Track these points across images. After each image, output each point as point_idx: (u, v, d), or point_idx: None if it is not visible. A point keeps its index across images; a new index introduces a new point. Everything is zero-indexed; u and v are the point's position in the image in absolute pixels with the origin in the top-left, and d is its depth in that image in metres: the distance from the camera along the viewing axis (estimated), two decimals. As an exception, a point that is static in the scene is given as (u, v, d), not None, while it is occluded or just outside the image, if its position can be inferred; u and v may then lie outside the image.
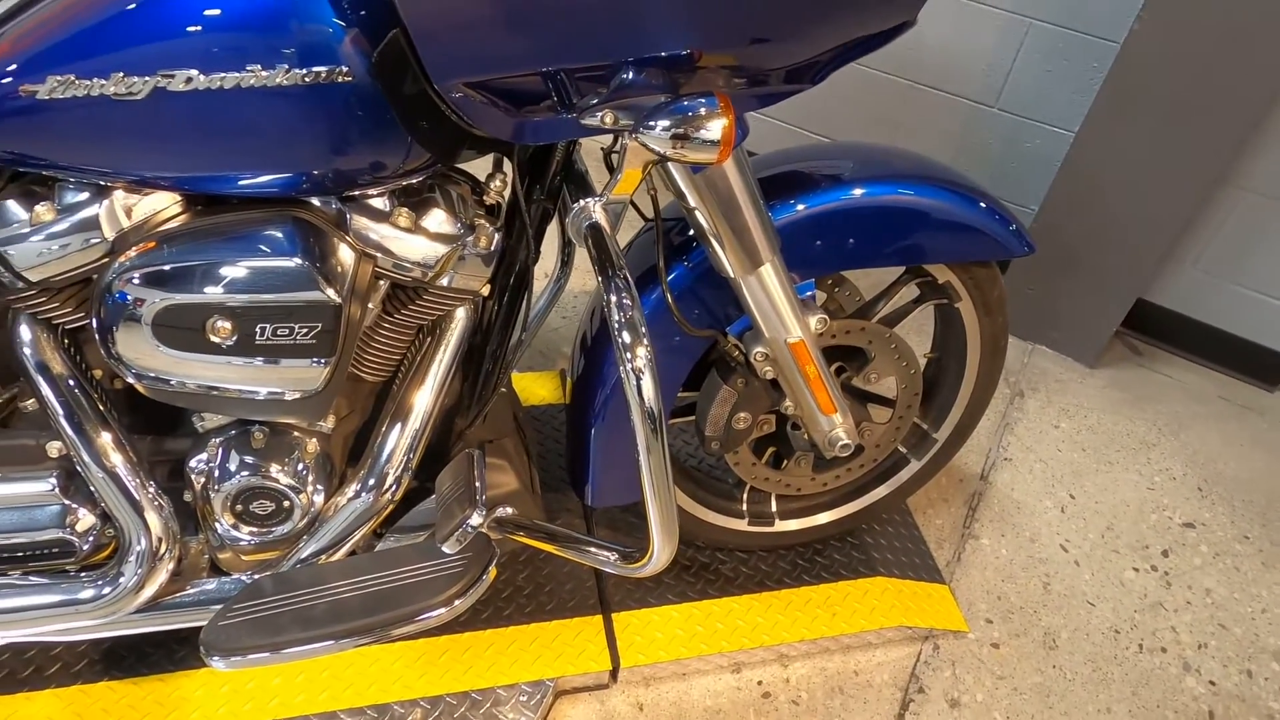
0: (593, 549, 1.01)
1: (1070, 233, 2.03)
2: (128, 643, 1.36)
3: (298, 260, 0.89)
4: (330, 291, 0.91)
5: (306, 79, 0.81)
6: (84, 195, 0.92)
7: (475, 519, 0.97)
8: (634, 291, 0.88)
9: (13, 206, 0.92)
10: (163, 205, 0.94)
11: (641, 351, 0.86)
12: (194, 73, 0.80)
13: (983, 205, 1.26)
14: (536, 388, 1.86)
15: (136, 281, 0.90)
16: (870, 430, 1.42)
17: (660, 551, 0.95)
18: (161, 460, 1.11)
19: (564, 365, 1.95)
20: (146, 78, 0.79)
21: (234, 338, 0.91)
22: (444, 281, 1.04)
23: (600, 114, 0.84)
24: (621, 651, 1.44)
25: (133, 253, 0.91)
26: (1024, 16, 2.05)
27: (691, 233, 1.18)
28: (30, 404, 1.10)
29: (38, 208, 0.91)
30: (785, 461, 1.45)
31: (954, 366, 1.46)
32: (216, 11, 0.79)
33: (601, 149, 1.12)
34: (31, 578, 1.09)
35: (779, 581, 1.58)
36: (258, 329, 0.91)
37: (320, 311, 0.91)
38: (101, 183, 0.91)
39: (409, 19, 0.75)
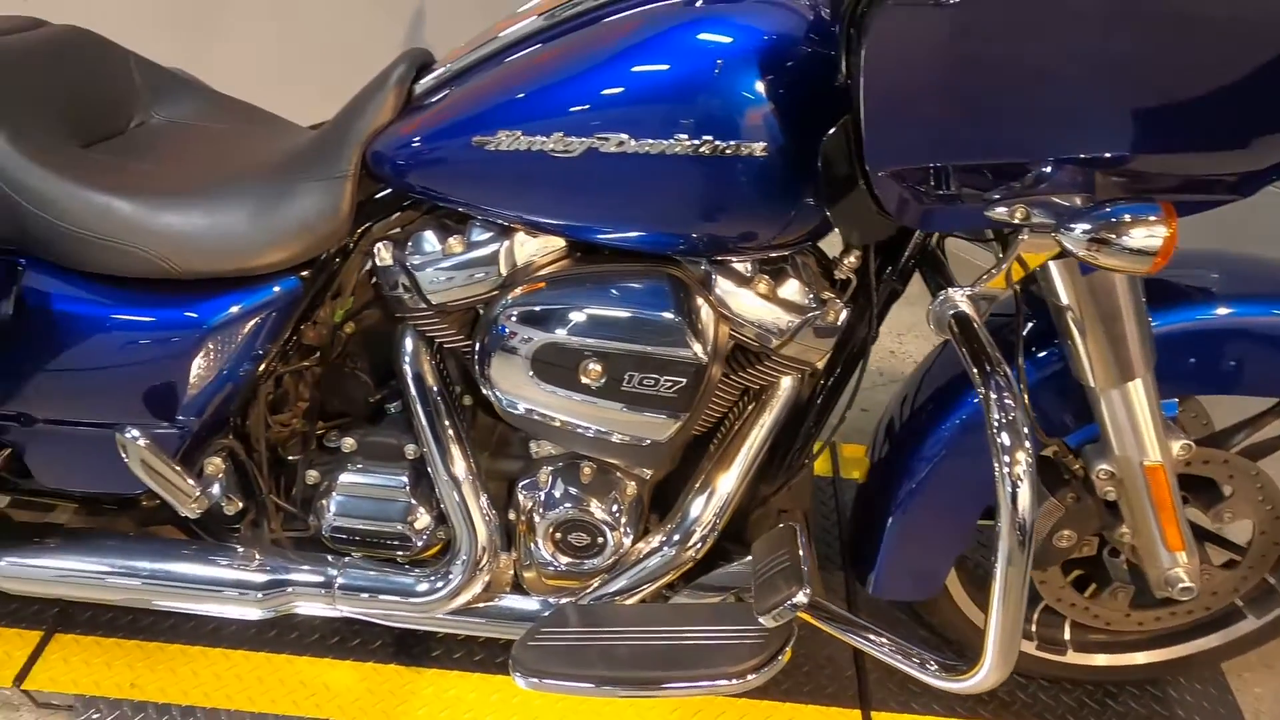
0: (908, 653, 0.96)
1: None
2: (417, 634, 1.48)
3: (675, 317, 0.93)
4: (699, 350, 0.94)
5: (726, 150, 0.84)
6: (489, 234, 1.02)
7: (801, 598, 0.95)
8: (1017, 390, 0.83)
9: (429, 237, 1.04)
10: (552, 249, 1.02)
11: (1023, 457, 0.81)
12: (625, 137, 0.86)
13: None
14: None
15: (522, 317, 0.98)
16: (1209, 574, 1.25)
17: (993, 670, 0.89)
18: (492, 477, 1.20)
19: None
20: (583, 139, 0.87)
21: (603, 381, 0.96)
22: (787, 350, 1.04)
23: (1013, 208, 0.80)
24: (878, 754, 1.36)
25: (522, 290, 1.00)
26: None
27: (1032, 327, 1.10)
28: (395, 407, 1.22)
29: (450, 240, 1.02)
30: (1094, 588, 1.31)
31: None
32: (653, 84, 0.85)
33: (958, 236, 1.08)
34: (365, 562, 1.21)
35: (1061, 718, 1.42)
36: (626, 376, 0.95)
37: (688, 368, 0.94)
38: (505, 224, 1.00)
39: (868, 103, 0.76)
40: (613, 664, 1.03)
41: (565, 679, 1.05)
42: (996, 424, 0.82)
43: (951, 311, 0.94)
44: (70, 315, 1.04)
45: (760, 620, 0.98)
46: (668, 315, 0.94)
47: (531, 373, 0.99)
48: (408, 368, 1.13)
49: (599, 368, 0.96)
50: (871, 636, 0.99)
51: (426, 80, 1.02)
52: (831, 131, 0.81)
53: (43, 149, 1.01)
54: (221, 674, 1.43)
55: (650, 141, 0.86)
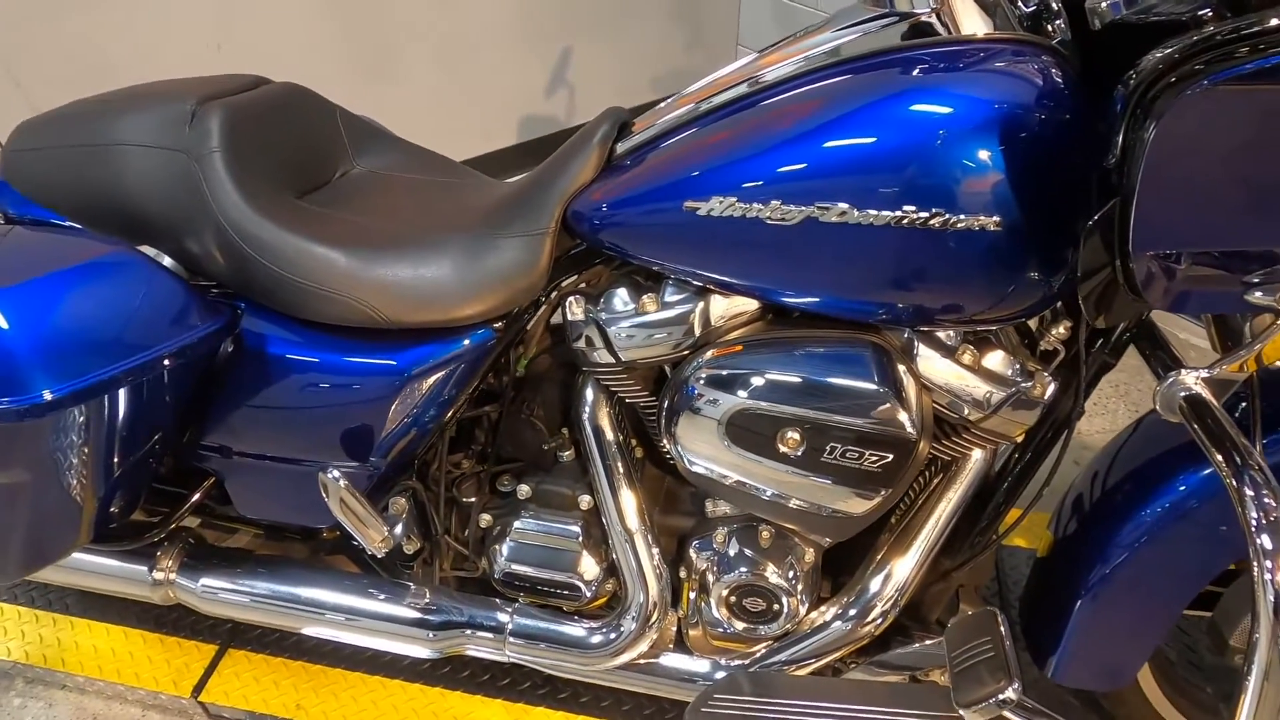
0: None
1: None
2: (568, 679, 1.48)
3: (884, 388, 0.90)
4: (909, 424, 0.91)
5: (957, 224, 0.81)
6: (684, 294, 1.01)
7: (1011, 694, 0.90)
8: (1275, 484, 0.76)
9: (622, 294, 1.04)
10: (745, 311, 1.00)
11: (1287, 564, 0.74)
12: (846, 207, 0.84)
13: None
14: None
15: (717, 379, 0.97)
16: None
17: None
18: (663, 532, 1.19)
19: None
20: (803, 208, 0.85)
21: (801, 450, 0.94)
22: (988, 423, 0.99)
23: (1276, 291, 0.74)
24: None
25: (718, 352, 0.99)
26: None
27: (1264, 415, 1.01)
28: (568, 455, 1.23)
29: (644, 298, 1.03)
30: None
31: None
32: (880, 153, 0.83)
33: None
34: (536, 610, 1.21)
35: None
36: (828, 447, 0.93)
37: (897, 443, 0.91)
38: (701, 285, 1.00)
39: (1145, 184, 0.71)
40: (789, 739, 1.00)
41: (732, 748, 1.02)
42: (1254, 524, 0.75)
43: (1183, 394, 0.88)
44: (282, 358, 1.09)
45: (961, 713, 0.93)
46: (877, 386, 0.91)
47: (724, 436, 0.97)
48: (587, 420, 1.14)
49: (798, 437, 0.94)
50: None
51: (628, 141, 1.03)
52: (1103, 211, 0.77)
53: (268, 201, 1.07)
54: (379, 702, 1.47)
55: (874, 213, 0.83)
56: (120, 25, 2.03)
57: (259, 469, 1.17)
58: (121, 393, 0.99)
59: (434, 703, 1.46)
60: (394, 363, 1.07)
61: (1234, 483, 0.78)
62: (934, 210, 0.81)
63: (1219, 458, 0.80)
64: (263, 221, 1.04)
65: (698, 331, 1.01)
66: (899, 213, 0.83)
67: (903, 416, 0.90)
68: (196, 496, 1.22)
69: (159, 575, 1.26)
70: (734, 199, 0.88)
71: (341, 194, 1.20)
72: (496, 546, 1.22)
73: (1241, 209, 0.71)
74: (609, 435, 1.13)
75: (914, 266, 0.86)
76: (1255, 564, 0.75)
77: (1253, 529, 0.76)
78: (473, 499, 1.25)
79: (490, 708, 1.45)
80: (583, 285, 1.10)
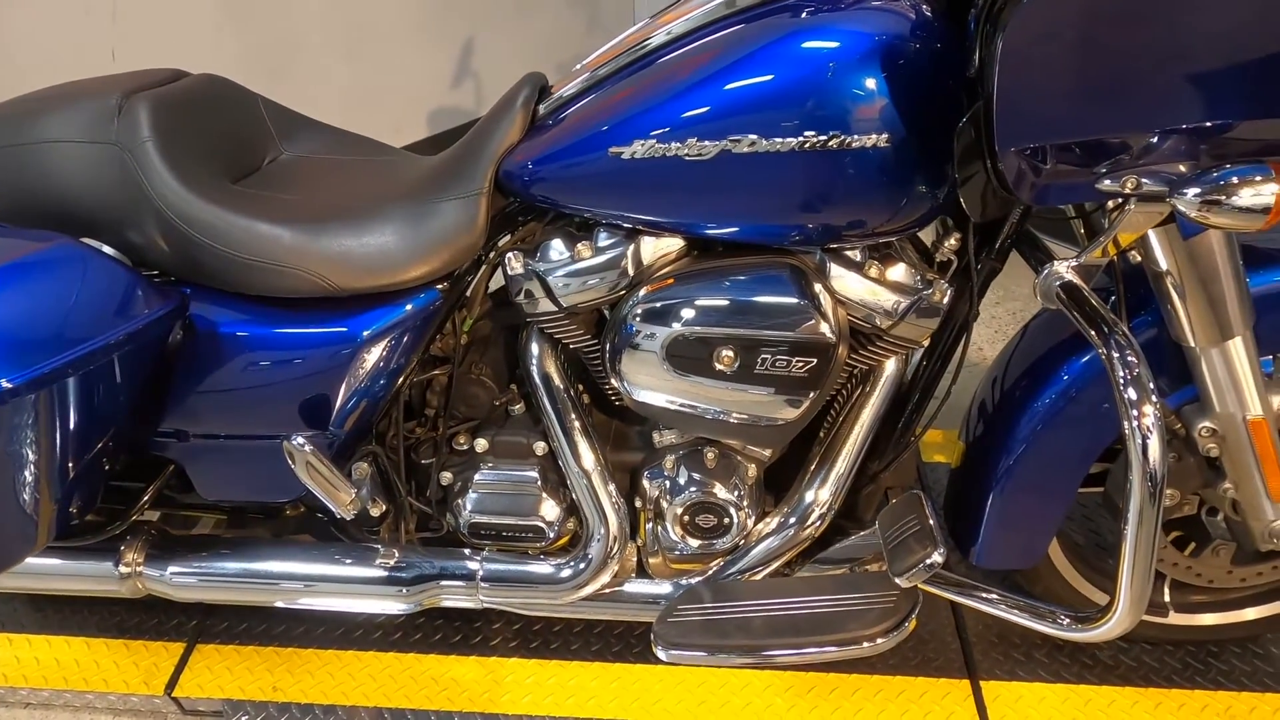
0: (1037, 610, 1.02)
1: None
2: (534, 629, 1.55)
3: (803, 301, 1.01)
4: (828, 330, 1.01)
5: (852, 144, 0.92)
6: (615, 238, 1.10)
7: (937, 557, 1.01)
8: (1137, 348, 0.89)
9: (558, 245, 1.12)
10: (673, 249, 1.10)
11: (1150, 410, 0.87)
12: (756, 137, 0.94)
13: None
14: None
15: (654, 312, 1.06)
16: (1311, 526, 1.29)
17: (1125, 615, 0.94)
18: (614, 470, 1.27)
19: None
20: (717, 142, 0.95)
21: (736, 366, 1.04)
22: (897, 330, 1.11)
23: (1123, 179, 0.87)
24: (992, 720, 1.40)
25: (651, 288, 1.07)
26: None
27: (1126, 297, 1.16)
28: (518, 409, 1.30)
29: (579, 246, 1.11)
30: (1194, 546, 1.36)
31: None
32: (782, 87, 0.93)
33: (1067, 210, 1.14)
34: (503, 555, 1.28)
35: (1167, 679, 1.46)
36: (759, 360, 1.03)
37: (817, 348, 1.02)
38: (630, 228, 1.09)
39: (1000, 89, 0.83)
40: (750, 634, 1.10)
41: (705, 650, 1.12)
42: (1122, 380, 0.88)
43: (1058, 283, 1.01)
44: (234, 336, 1.13)
45: (897, 581, 1.04)
46: (796, 300, 1.01)
47: (665, 364, 1.06)
48: (535, 370, 1.21)
49: (732, 354, 1.03)
50: (996, 598, 1.05)
51: (549, 102, 1.11)
52: (963, 121, 0.89)
53: (205, 186, 1.10)
54: (355, 674, 1.51)
55: (780, 140, 0.93)
56: (17, 39, 1.99)
57: (220, 450, 1.20)
58: (77, 382, 1.01)
59: (409, 668, 1.52)
60: (345, 329, 1.12)
61: (1104, 350, 0.91)
62: (831, 134, 0.92)
63: (1091, 332, 0.93)
64: (204, 205, 1.08)
65: (631, 272, 1.09)
66: (801, 138, 0.93)
67: (822, 325, 1.01)
68: (156, 484, 1.24)
69: (125, 569, 1.27)
70: (654, 140, 0.97)
71: (275, 177, 1.24)
72: (460, 501, 1.28)
73: (1082, 103, 0.83)
74: (557, 382, 1.21)
75: (819, 187, 0.97)
76: (1124, 415, 0.88)
77: (1120, 385, 0.89)
78: (431, 460, 1.31)
79: (464, 665, 1.51)
80: (519, 242, 1.18)
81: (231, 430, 1.18)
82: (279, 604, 1.30)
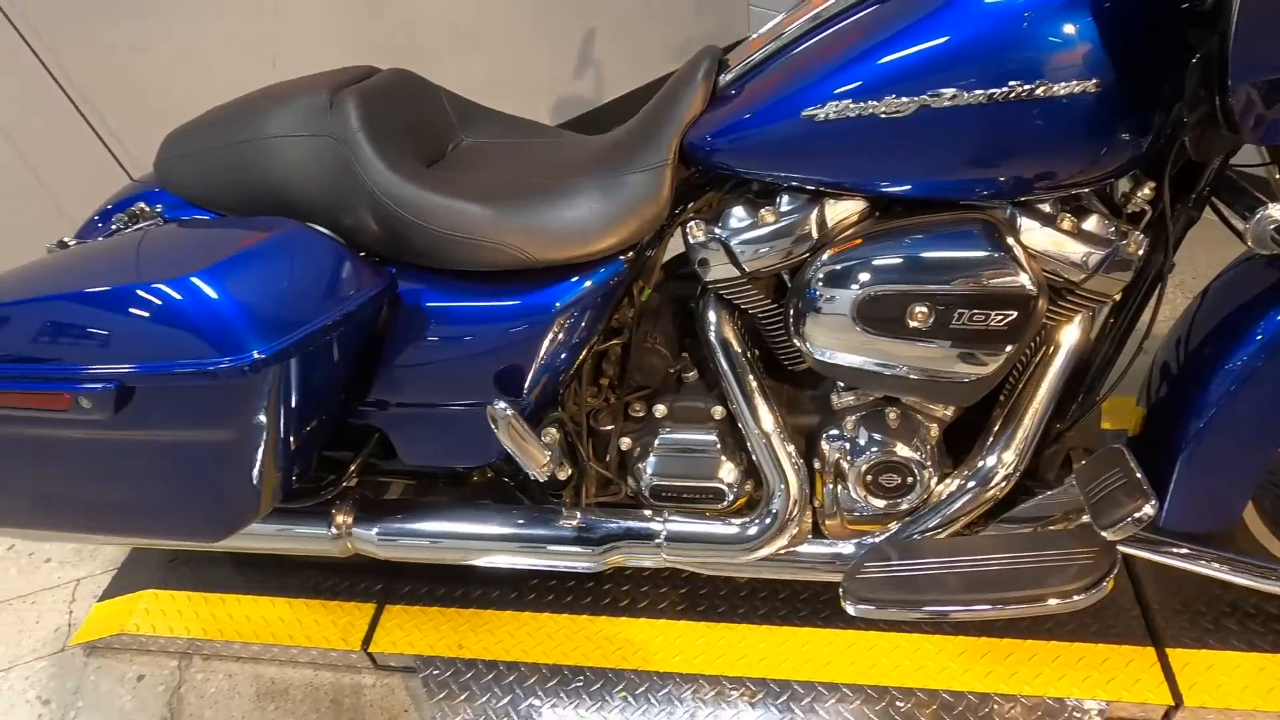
0: (1267, 571, 0.98)
1: None
2: (700, 592, 1.60)
3: (1000, 254, 1.01)
4: (1029, 282, 1.01)
5: (1059, 91, 0.91)
6: (799, 202, 1.12)
7: (1149, 509, 1.00)
8: None
9: (741, 211, 1.15)
10: (856, 210, 1.11)
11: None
12: (956, 90, 0.94)
13: None
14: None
15: (843, 273, 1.08)
16: None
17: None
18: (792, 432, 1.30)
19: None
20: (915, 98, 0.96)
21: (931, 323, 1.04)
22: (1090, 284, 1.09)
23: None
24: (1183, 689, 1.36)
25: (838, 249, 1.09)
26: None
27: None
28: (691, 376, 1.35)
29: (762, 212, 1.13)
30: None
31: None
32: (983, 34, 0.93)
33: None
34: (685, 516, 1.33)
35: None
36: (956, 315, 1.03)
37: (1019, 301, 1.01)
38: (814, 190, 1.10)
39: (1244, 10, 0.80)
40: (945, 589, 1.11)
41: (896, 605, 1.13)
42: None
43: (1273, 225, 0.97)
44: (439, 309, 1.21)
45: (1104, 535, 1.03)
46: (996, 254, 1.01)
47: (855, 324, 1.08)
48: (713, 335, 1.25)
49: (926, 310, 1.04)
50: (1213, 558, 1.02)
51: (730, 73, 1.14)
52: (1203, 52, 0.87)
53: (409, 171, 1.19)
54: (534, 634, 1.59)
55: (982, 92, 0.93)
56: (185, 54, 2.17)
57: (422, 417, 1.29)
58: (308, 355, 1.11)
59: (583, 628, 1.59)
60: (540, 300, 1.18)
61: None
62: (1037, 82, 0.91)
63: None
64: (412, 187, 1.16)
65: (815, 234, 1.11)
66: (1006, 88, 0.92)
67: (1023, 278, 1.01)
68: (365, 451, 1.34)
69: (336, 530, 1.38)
70: (849, 100, 0.98)
71: (462, 161, 1.31)
72: (640, 465, 1.34)
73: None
74: (736, 347, 1.24)
75: (1019, 139, 0.96)
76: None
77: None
78: (608, 427, 1.37)
79: (635, 625, 1.57)
80: (698, 211, 1.21)
81: (433, 398, 1.26)
82: (476, 563, 1.38)
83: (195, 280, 1.02)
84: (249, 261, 1.08)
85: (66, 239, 1.35)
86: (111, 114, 2.06)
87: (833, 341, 1.11)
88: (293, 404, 1.12)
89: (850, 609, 1.17)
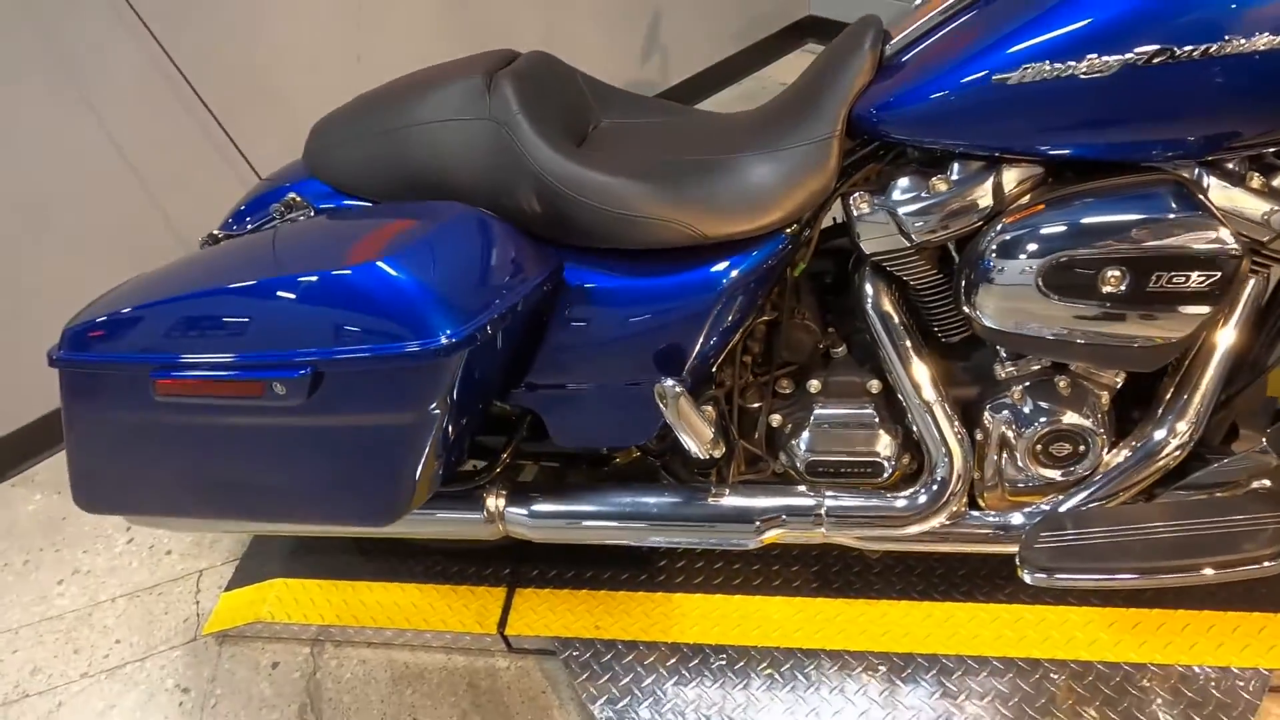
0: None
1: None
2: (834, 569, 1.59)
3: (1198, 213, 0.99)
4: (1231, 240, 0.99)
5: (1271, 44, 0.89)
6: (973, 169, 1.11)
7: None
8: None
9: (911, 180, 1.14)
10: (1033, 175, 1.10)
11: None
12: (1158, 47, 0.92)
13: None
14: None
15: (1025, 240, 1.06)
16: None
17: None
18: (953, 403, 1.28)
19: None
20: (1119, 56, 0.94)
21: (1125, 286, 1.03)
22: (1276, 245, 1.07)
23: None
24: (1346, 655, 1.35)
25: (1019, 216, 1.08)
26: None
27: None
28: (840, 350, 1.34)
29: (933, 181, 1.12)
30: None
31: None
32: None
33: None
34: (843, 491, 1.32)
35: None
36: (1153, 278, 1.02)
37: (1222, 261, 1.00)
38: (988, 157, 1.09)
39: None
40: (1131, 556, 1.10)
41: (1077, 572, 1.13)
42: None
43: None
44: (604, 290, 1.21)
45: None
46: (1192, 213, 1.00)
47: (1040, 291, 1.07)
48: (871, 308, 1.24)
49: (1119, 274, 1.03)
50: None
51: (896, 41, 1.12)
52: None
53: (571, 151, 1.19)
54: (670, 613, 1.60)
55: (1192, 48, 0.92)
56: (277, 49, 2.18)
57: (578, 398, 1.29)
58: (491, 337, 1.10)
59: (718, 608, 1.59)
60: (706, 277, 1.18)
61: None
62: (1258, 34, 0.89)
63: None
64: (577, 168, 1.16)
65: (990, 202, 1.10)
66: (1220, 43, 0.91)
67: (1224, 233, 0.99)
68: (519, 434, 1.35)
69: (490, 512, 1.39)
70: (1045, 61, 0.97)
71: (610, 141, 1.31)
72: (794, 441, 1.33)
73: None
74: (895, 319, 1.23)
75: (1225, 95, 0.94)
76: None
77: None
78: (756, 404, 1.37)
79: (771, 603, 1.57)
80: (860, 183, 1.20)
81: (592, 379, 1.26)
82: (629, 542, 1.39)
83: (384, 265, 1.03)
84: (433, 246, 1.09)
85: (215, 231, 1.37)
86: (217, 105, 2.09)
87: (1011, 309, 1.10)
88: (468, 387, 1.12)
89: (1028, 578, 1.16)
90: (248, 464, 1.17)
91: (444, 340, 1.04)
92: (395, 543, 1.76)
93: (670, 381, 1.17)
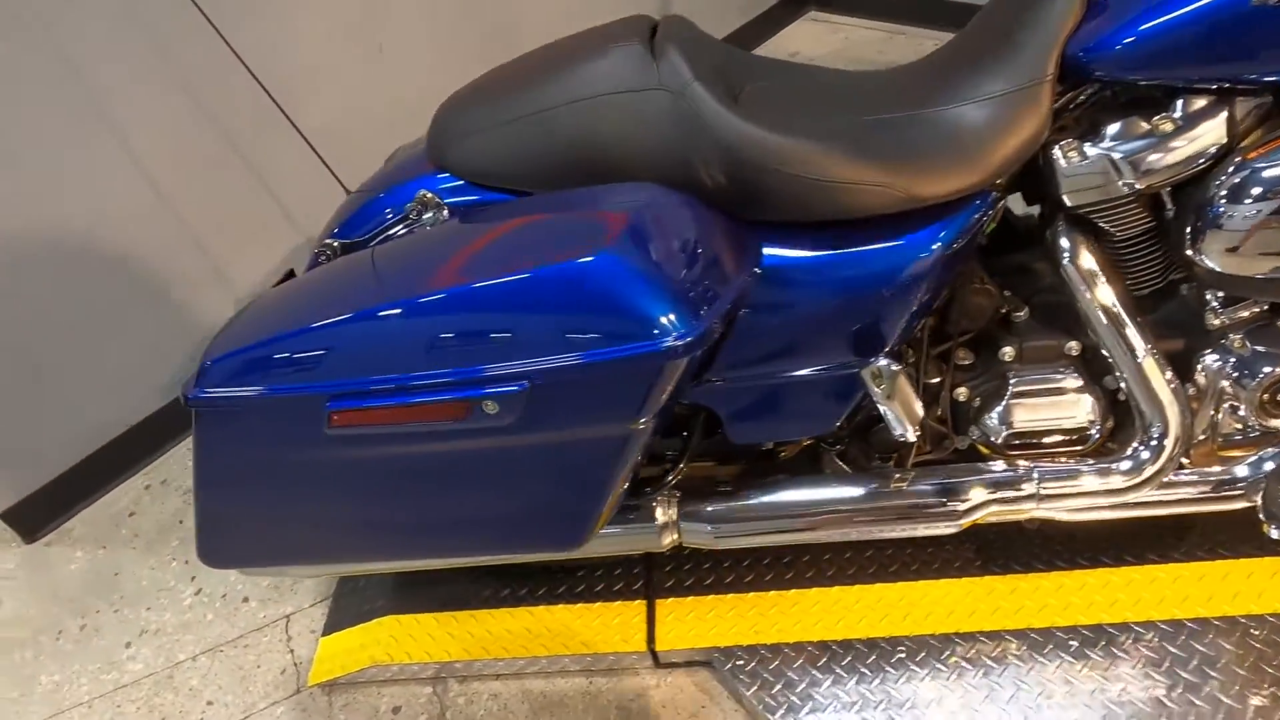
0: None
1: None
2: (989, 547, 1.52)
3: None
4: None
5: None
6: (1202, 105, 1.03)
7: None
8: None
9: (1130, 124, 1.06)
10: (1267, 104, 1.02)
11: None
12: None
13: None
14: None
15: (1270, 177, 0.99)
16: None
17: None
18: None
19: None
20: None
21: None
22: None
23: None
24: None
25: (1263, 151, 1.01)
26: None
27: None
28: (1022, 314, 1.25)
29: (1155, 121, 1.04)
30: None
31: None
32: None
33: None
34: (1050, 464, 1.23)
35: None
36: None
37: None
38: (1217, 91, 1.01)
39: None
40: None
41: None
42: None
43: None
44: (805, 266, 1.10)
45: None
46: None
47: (1287, 228, 1.00)
48: (1070, 264, 1.15)
49: None
50: None
51: (1106, -27, 1.04)
52: None
53: (757, 117, 1.07)
54: (829, 609, 1.50)
55: None
56: (292, 42, 2.03)
57: (762, 391, 1.18)
58: (716, 333, 0.98)
59: (881, 597, 1.50)
60: (917, 242, 1.08)
61: None
62: None
63: None
64: (770, 135, 1.05)
65: (1224, 139, 1.03)
66: None
67: None
68: (696, 434, 1.24)
69: (663, 521, 1.27)
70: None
71: (775, 104, 1.19)
72: (988, 415, 1.25)
73: None
74: (1101, 274, 1.15)
75: None
76: None
77: None
78: (936, 379, 1.28)
79: (916, 589, 1.48)
80: (1063, 130, 1.11)
81: (784, 367, 1.15)
82: (823, 539, 1.28)
83: (612, 256, 0.90)
84: (651, 233, 0.96)
85: (331, 242, 1.22)
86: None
87: (1250, 251, 1.03)
88: (677, 390, 1.01)
89: (1275, 534, 1.10)
90: (427, 497, 1.04)
91: (675, 341, 0.92)
92: (506, 566, 1.63)
93: (885, 361, 1.07)
